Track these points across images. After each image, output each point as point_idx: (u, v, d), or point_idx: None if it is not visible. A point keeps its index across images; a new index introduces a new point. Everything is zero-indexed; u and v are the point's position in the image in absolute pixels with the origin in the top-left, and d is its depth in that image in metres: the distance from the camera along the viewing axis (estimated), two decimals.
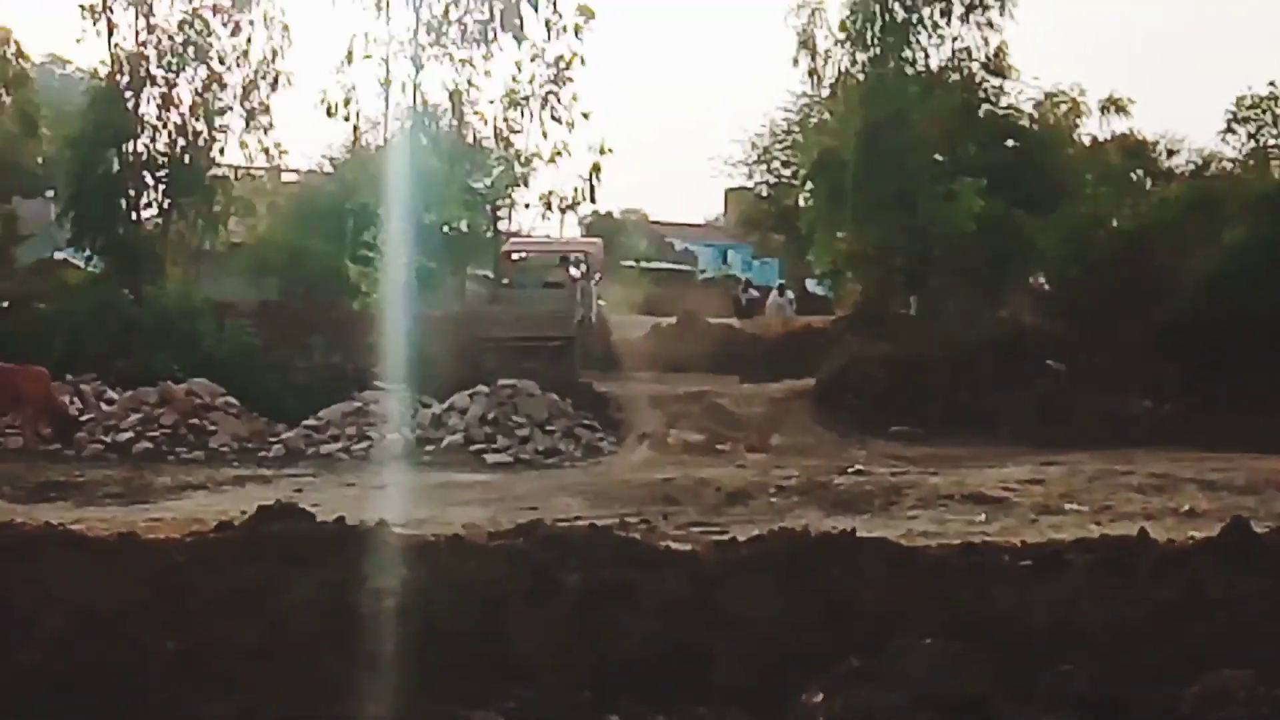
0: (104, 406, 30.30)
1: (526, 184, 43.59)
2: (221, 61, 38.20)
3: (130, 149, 37.55)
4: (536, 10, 40.44)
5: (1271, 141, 51.76)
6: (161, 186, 38.10)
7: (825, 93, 40.01)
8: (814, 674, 10.56)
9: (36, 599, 10.86)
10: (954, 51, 39.31)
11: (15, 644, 10.41)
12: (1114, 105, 42.43)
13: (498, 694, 10.55)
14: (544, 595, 11.46)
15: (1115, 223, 37.85)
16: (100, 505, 21.81)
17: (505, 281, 40.22)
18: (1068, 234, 36.17)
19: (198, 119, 38.01)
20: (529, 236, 43.65)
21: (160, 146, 37.84)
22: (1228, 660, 10.42)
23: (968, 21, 38.95)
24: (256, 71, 38.51)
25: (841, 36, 38.25)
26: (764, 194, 49.42)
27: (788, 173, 47.25)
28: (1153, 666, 10.84)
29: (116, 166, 37.49)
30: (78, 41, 38.03)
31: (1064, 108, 41.96)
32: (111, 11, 37.45)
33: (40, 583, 11.03)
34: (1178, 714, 10.22)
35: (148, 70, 37.49)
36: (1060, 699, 10.43)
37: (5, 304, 35.93)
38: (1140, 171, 46.90)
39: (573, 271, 39.02)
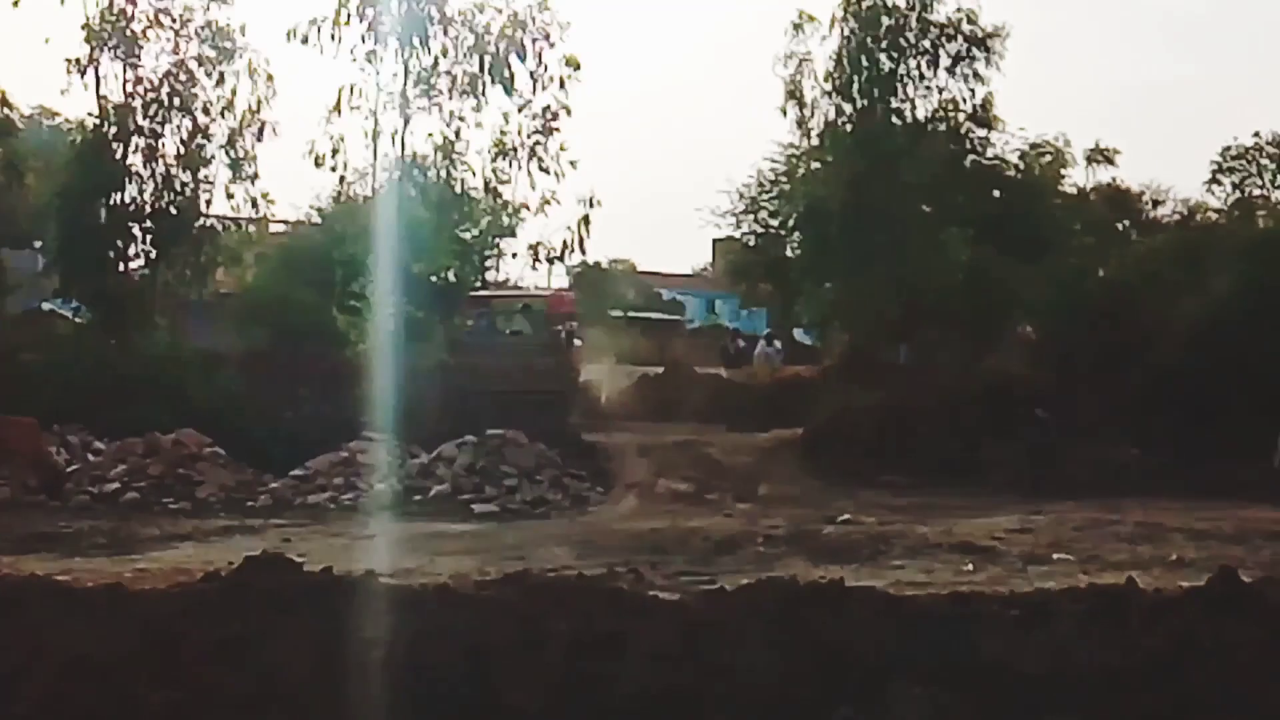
0: (91, 457, 30.24)
1: (514, 234, 43.69)
2: (206, 112, 38.28)
3: (117, 199, 37.56)
4: (524, 62, 40.60)
5: (1256, 191, 52.09)
6: (148, 237, 38.08)
7: (813, 143, 40.07)
8: None
9: (24, 650, 10.82)
10: (940, 102, 39.40)
11: (4, 695, 10.37)
12: (1100, 155, 42.65)
13: None
14: (532, 645, 11.43)
15: (1102, 272, 37.91)
16: (87, 556, 21.73)
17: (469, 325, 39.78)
18: (1055, 284, 36.21)
19: (183, 169, 38.04)
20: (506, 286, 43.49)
21: (147, 197, 37.85)
22: (1217, 709, 10.43)
23: (954, 73, 39.04)
24: (241, 121, 38.58)
25: (828, 87, 38.37)
26: (751, 244, 49.26)
27: (775, 223, 47.16)
28: (1142, 715, 10.84)
29: (104, 217, 37.50)
30: (62, 94, 38.14)
31: (1048, 158, 42.07)
32: (98, 64, 37.54)
33: (28, 634, 11.00)
34: None
35: (134, 121, 37.55)
36: None
37: None
38: (1126, 221, 47.09)
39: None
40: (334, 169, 41.17)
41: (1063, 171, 42.09)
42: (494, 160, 41.59)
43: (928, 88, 39.06)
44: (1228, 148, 53.35)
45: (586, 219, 41.33)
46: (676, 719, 10.94)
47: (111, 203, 37.45)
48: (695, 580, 18.20)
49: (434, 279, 40.40)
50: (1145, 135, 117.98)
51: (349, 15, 40.07)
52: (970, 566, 20.16)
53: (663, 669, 11.29)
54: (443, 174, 41.55)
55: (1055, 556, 20.94)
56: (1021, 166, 42.01)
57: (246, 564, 12.92)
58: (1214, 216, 50.77)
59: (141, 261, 38.54)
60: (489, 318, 38.99)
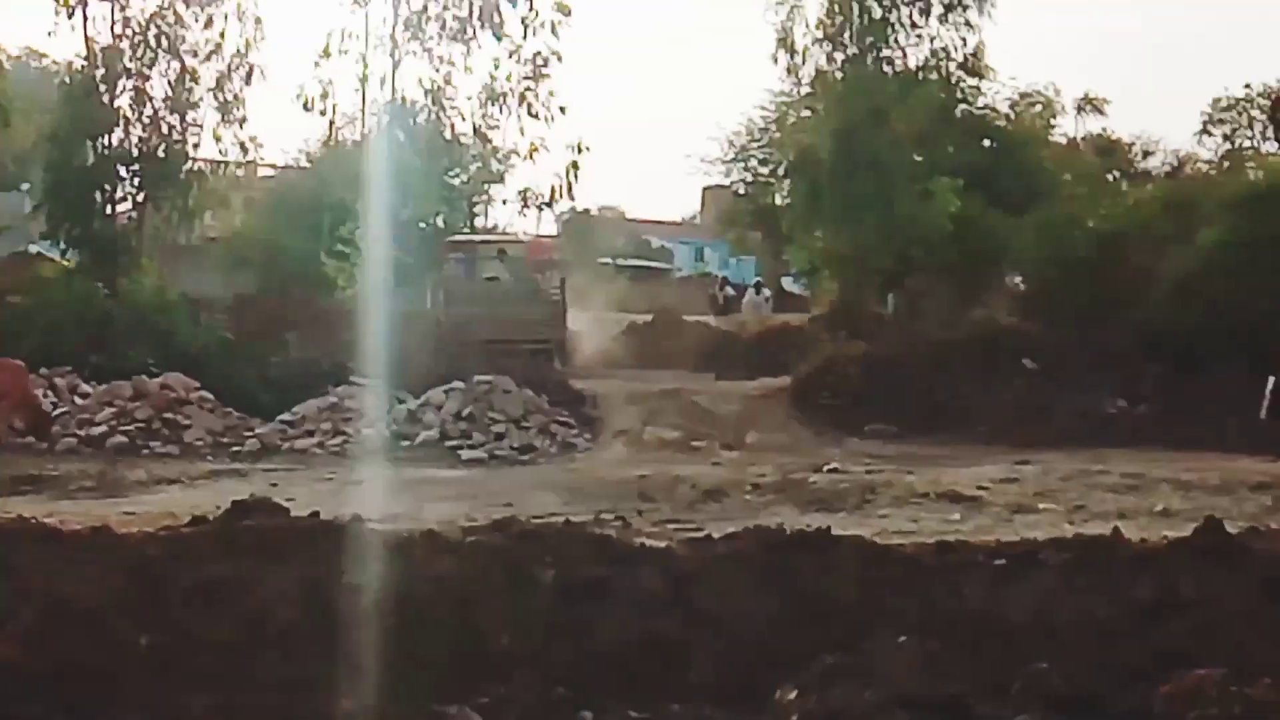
0: (78, 400, 30.17)
1: (503, 180, 43.62)
2: (195, 55, 38.03)
3: (105, 142, 37.37)
4: (515, 6, 40.41)
5: (1246, 143, 52.10)
6: (136, 180, 37.90)
7: (804, 91, 39.96)
8: (789, 671, 10.58)
9: (10, 592, 10.83)
10: (932, 51, 39.30)
11: None
12: (1089, 104, 42.64)
13: (472, 689, 10.56)
14: (519, 591, 11.46)
15: (1091, 223, 37.87)
16: (74, 499, 21.70)
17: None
18: (1044, 234, 36.17)
19: (171, 112, 37.85)
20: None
21: (135, 140, 37.66)
22: (1200, 659, 10.47)
23: (946, 21, 38.91)
24: (230, 65, 38.34)
25: (820, 34, 38.23)
26: (741, 192, 49.38)
27: (765, 171, 47.23)
28: (1126, 665, 10.89)
29: (91, 159, 37.29)
30: (49, 35, 37.91)
31: (1038, 107, 42.03)
32: (86, 5, 37.30)
33: (14, 576, 11.00)
34: (1151, 712, 10.27)
35: (122, 63, 37.33)
36: (1034, 697, 10.48)
37: None
38: (1116, 172, 47.07)
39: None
40: (323, 113, 41.01)
41: (1051, 121, 42.09)
42: (483, 106, 41.43)
43: (919, 36, 38.94)
44: (1218, 99, 53.41)
45: (575, 165, 41.18)
46: (662, 666, 10.98)
47: (99, 145, 37.24)
48: (682, 528, 18.20)
49: (422, 225, 40.32)
50: (1136, 86, 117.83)
51: None
52: (957, 516, 20.19)
53: (649, 616, 11.33)
54: (432, 119, 41.40)
55: (1041, 506, 20.95)
56: (1012, 116, 41.99)
57: (234, 508, 12.93)
58: (1204, 168, 50.83)
59: (129, 205, 38.32)
60: (466, 264, 38.92)
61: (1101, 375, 32.06)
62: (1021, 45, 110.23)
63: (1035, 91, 41.89)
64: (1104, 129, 46.21)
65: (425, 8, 40.21)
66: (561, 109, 40.92)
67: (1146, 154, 52.16)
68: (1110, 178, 46.41)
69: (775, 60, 39.05)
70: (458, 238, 40.14)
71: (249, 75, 38.24)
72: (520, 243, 41.35)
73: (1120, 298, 33.38)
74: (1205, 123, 52.57)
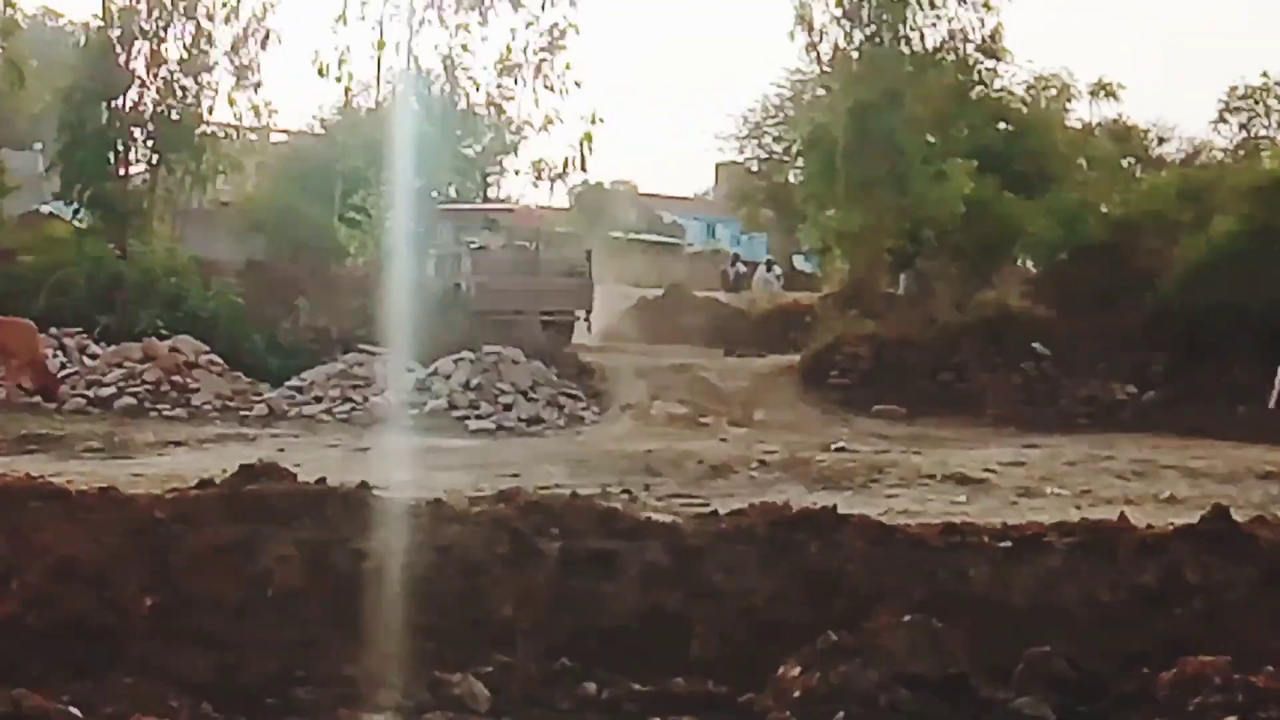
0: (87, 361, 30.22)
1: (517, 152, 43.61)
2: (210, 18, 38.02)
3: (119, 103, 37.36)
4: None
5: (1262, 132, 51.95)
6: (150, 142, 37.90)
7: (820, 69, 39.89)
8: (792, 648, 10.59)
9: (15, 551, 10.85)
10: (950, 32, 39.22)
11: None
12: (1104, 90, 42.48)
13: (476, 659, 10.57)
14: (524, 562, 11.47)
15: (1104, 209, 37.80)
16: (81, 459, 21.73)
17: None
18: (1057, 218, 36.14)
19: (186, 75, 37.83)
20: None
21: (149, 102, 37.65)
22: (1204, 646, 10.47)
23: (964, 2, 38.86)
24: (246, 28, 38.32)
25: (838, 13, 38.14)
26: (755, 169, 49.27)
27: (779, 148, 47.15)
28: (1130, 650, 10.89)
29: (105, 120, 37.30)
30: None
31: (1053, 91, 41.91)
32: None
33: (19, 535, 11.02)
34: (1154, 698, 10.28)
35: (138, 25, 37.30)
36: (1037, 680, 10.49)
37: None
38: (1131, 158, 46.97)
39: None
40: (338, 79, 41.00)
41: (1066, 106, 41.96)
42: (499, 77, 41.42)
43: (937, 16, 38.86)
44: (1235, 87, 53.20)
45: (589, 138, 41.19)
46: (666, 639, 10.99)
47: (113, 106, 37.25)
48: (688, 503, 18.21)
49: (435, 194, 40.30)
50: (1153, 73, 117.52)
51: None
52: (963, 497, 20.18)
53: (653, 590, 11.34)
54: (447, 89, 41.37)
55: (1048, 490, 20.94)
56: (1028, 100, 41.89)
57: (241, 472, 12.94)
58: (1219, 156, 50.68)
59: (142, 167, 38.34)
60: (454, 232, 38.72)
61: (1111, 361, 32.04)
62: (1039, 30, 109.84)
63: (1052, 75, 41.71)
64: (1119, 115, 45.98)
65: None
66: (577, 83, 40.93)
67: (1162, 141, 52.01)
68: (1125, 164, 46.27)
69: (793, 37, 38.98)
70: (446, 206, 39.87)
71: (265, 39, 38.28)
72: (510, 211, 41.09)
73: (1132, 284, 33.34)
74: (1221, 111, 52.38)
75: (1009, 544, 12.24)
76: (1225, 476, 22.52)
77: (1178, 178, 39.77)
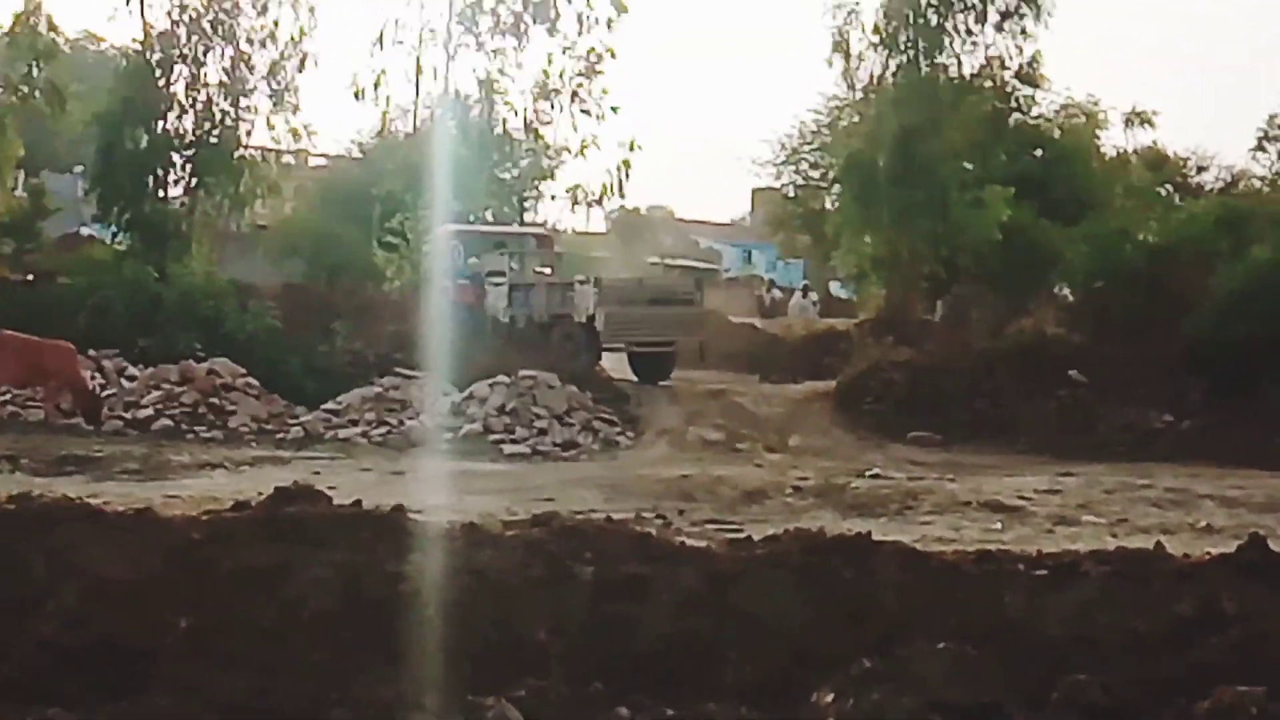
0: (125, 383, 30.38)
1: (554, 176, 43.68)
2: (249, 42, 38.23)
3: (159, 127, 37.59)
4: (570, 2, 40.50)
5: None
6: (189, 165, 38.13)
7: (857, 96, 39.91)
8: (826, 674, 10.56)
9: (53, 571, 10.89)
10: (987, 59, 39.22)
11: (31, 615, 10.45)
12: (1138, 118, 42.36)
13: (509, 683, 10.57)
14: (558, 586, 11.46)
15: (1142, 236, 37.72)
16: (118, 480, 21.88)
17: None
18: (1095, 245, 36.06)
19: (225, 99, 38.04)
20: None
21: (188, 125, 37.89)
22: (1241, 677, 10.40)
23: (1002, 29, 38.86)
24: (284, 52, 38.52)
25: (875, 39, 38.17)
26: (791, 195, 49.30)
27: (816, 174, 47.19)
28: (1165, 680, 10.83)
29: (145, 144, 37.52)
30: (109, 20, 38.23)
31: (1085, 119, 41.83)
32: None
33: (57, 555, 11.06)
34: None
35: (178, 49, 37.55)
36: (1072, 709, 10.42)
37: (30, 277, 36.04)
38: (1169, 186, 46.86)
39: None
40: (375, 103, 41.19)
41: (1097, 134, 41.89)
42: (535, 101, 41.55)
43: (974, 43, 38.87)
44: (1274, 115, 53.03)
45: (626, 163, 41.29)
46: (698, 665, 10.97)
47: (153, 130, 37.47)
48: (722, 528, 18.22)
49: (472, 219, 40.40)
50: (1192, 102, 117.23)
51: None
52: (999, 525, 20.14)
53: (687, 615, 11.32)
54: (484, 113, 41.50)
55: (1084, 518, 20.91)
56: (1064, 127, 41.83)
57: (276, 494, 12.96)
58: (1258, 184, 50.51)
59: (181, 190, 38.58)
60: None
61: (1148, 389, 31.93)
62: (1077, 58, 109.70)
63: (1092, 102, 41.63)
64: (1154, 142, 45.85)
65: (480, 1, 40.33)
66: (614, 107, 41.06)
67: (1200, 169, 51.86)
68: (1162, 192, 46.15)
69: (830, 64, 39.05)
70: (456, 226, 39.45)
71: (302, 63, 38.48)
72: (523, 235, 40.58)
73: (1169, 311, 33.22)
74: (1260, 139, 52.21)
75: (1044, 572, 12.19)
76: (1263, 505, 22.45)
77: (1216, 206, 39.68)
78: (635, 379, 34.41)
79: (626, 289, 36.01)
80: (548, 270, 37.66)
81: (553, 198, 44.15)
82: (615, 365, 34.60)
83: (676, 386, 33.74)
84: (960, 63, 38.87)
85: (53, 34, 40.25)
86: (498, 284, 35.96)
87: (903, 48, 37.98)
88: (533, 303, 35.45)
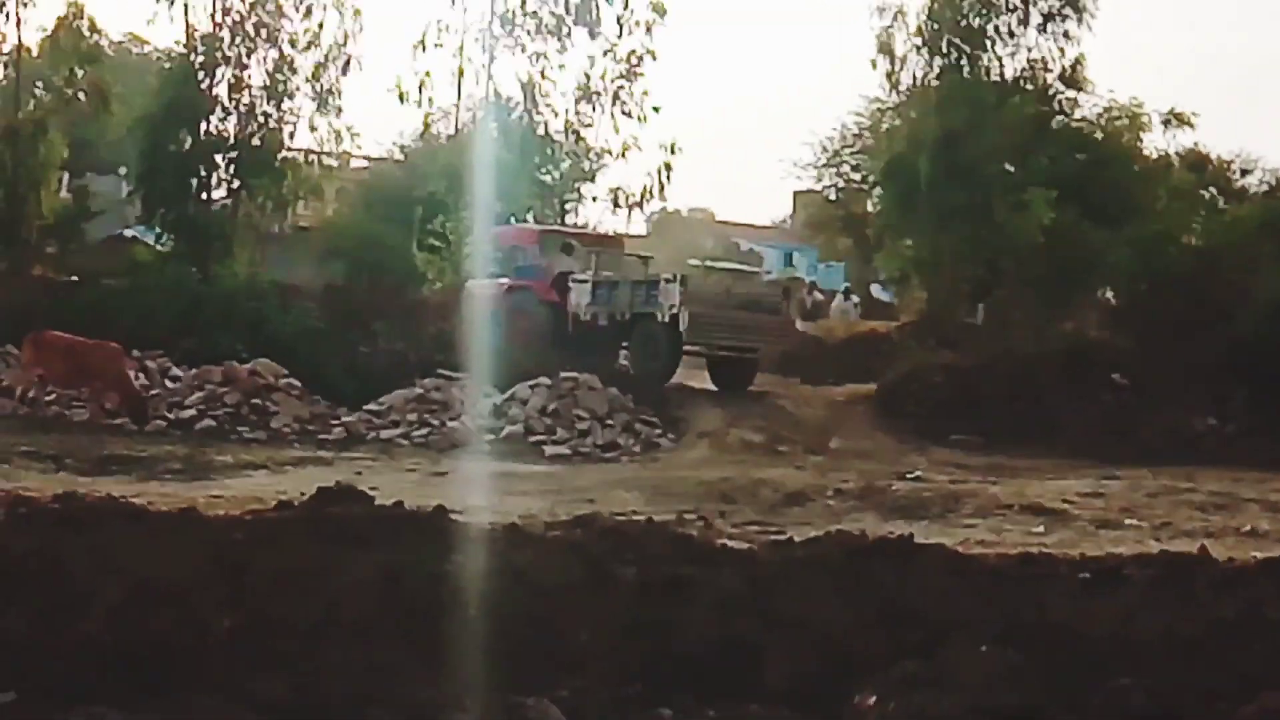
0: (168, 383, 30.46)
1: (594, 179, 43.69)
2: (293, 44, 38.31)
3: (202, 129, 37.73)
4: (611, 4, 40.54)
5: None
6: (231, 167, 38.24)
7: (900, 98, 39.83)
8: (868, 676, 10.55)
9: (97, 570, 10.95)
10: (1029, 62, 39.08)
11: (75, 613, 10.50)
12: (1178, 119, 42.13)
13: (550, 682, 10.58)
14: (599, 587, 11.48)
15: (1186, 239, 37.52)
16: (161, 480, 21.92)
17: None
18: (1138, 249, 35.87)
19: (268, 101, 38.16)
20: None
21: (231, 127, 38.01)
22: None
23: (1045, 31, 38.73)
24: (327, 55, 38.60)
25: (918, 41, 38.09)
26: (833, 197, 49.17)
27: (857, 177, 47.06)
28: (1209, 684, 10.78)
29: (188, 146, 37.67)
30: (149, 23, 38.36)
31: (1127, 120, 41.62)
32: None
33: (101, 554, 11.12)
34: None
35: (221, 51, 37.68)
36: (1116, 713, 10.39)
37: (75, 279, 36.20)
38: (1213, 189, 46.59)
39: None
40: (419, 104, 41.26)
41: (1140, 136, 41.71)
42: (577, 103, 41.60)
43: (1017, 45, 38.75)
44: None
45: (668, 165, 41.30)
46: (740, 666, 10.97)
47: (196, 132, 37.61)
48: (764, 530, 18.19)
49: (512, 220, 40.45)
50: (1236, 104, 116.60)
51: None
52: (1041, 528, 20.06)
53: (728, 617, 11.32)
54: (526, 115, 41.56)
55: (1127, 522, 20.80)
56: (1107, 130, 41.64)
57: (319, 495, 13.03)
58: None
59: (224, 191, 38.68)
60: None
61: (1191, 392, 31.76)
62: (1122, 61, 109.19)
63: (1136, 104, 41.41)
64: (1195, 144, 45.57)
65: (523, 3, 40.40)
66: (655, 109, 41.10)
67: (1244, 172, 51.49)
68: (1206, 195, 45.91)
69: (874, 66, 38.96)
70: (539, 227, 39.12)
71: (346, 66, 38.53)
72: (602, 237, 40.25)
73: (1213, 315, 33.05)
74: None
75: (1087, 575, 12.15)
76: None
77: (1260, 209, 39.44)
78: (714, 388, 33.92)
79: (712, 293, 35.18)
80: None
81: (594, 199, 44.15)
82: (693, 375, 34.24)
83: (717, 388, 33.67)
84: (1003, 65, 38.78)
85: (95, 36, 40.39)
86: (581, 281, 35.00)
87: (945, 50, 37.91)
88: (616, 300, 34.43)
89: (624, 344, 34.35)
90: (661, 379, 32.64)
